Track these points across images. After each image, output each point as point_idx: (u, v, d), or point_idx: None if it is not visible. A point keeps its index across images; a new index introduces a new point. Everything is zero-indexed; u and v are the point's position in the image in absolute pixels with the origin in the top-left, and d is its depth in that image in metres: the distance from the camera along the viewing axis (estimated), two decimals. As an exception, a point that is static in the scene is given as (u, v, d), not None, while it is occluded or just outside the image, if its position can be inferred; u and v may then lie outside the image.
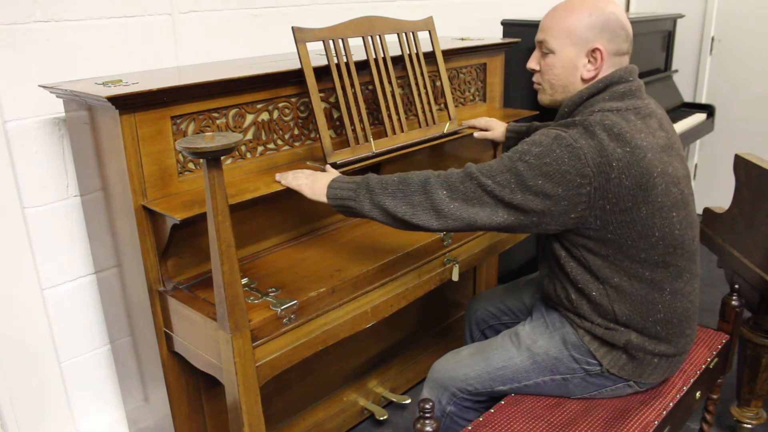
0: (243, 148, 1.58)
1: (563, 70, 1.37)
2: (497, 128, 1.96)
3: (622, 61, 1.37)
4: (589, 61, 1.35)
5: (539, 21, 1.40)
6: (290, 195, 1.65)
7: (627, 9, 3.87)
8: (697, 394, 1.54)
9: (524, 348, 1.44)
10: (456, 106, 2.18)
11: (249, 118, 1.58)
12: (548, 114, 2.56)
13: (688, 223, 1.35)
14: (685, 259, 1.36)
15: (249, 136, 1.59)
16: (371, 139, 1.73)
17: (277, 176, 1.50)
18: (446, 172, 1.33)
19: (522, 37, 2.39)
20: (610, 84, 1.33)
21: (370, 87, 1.80)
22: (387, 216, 1.34)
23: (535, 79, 1.44)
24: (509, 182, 1.25)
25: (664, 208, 1.29)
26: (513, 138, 1.90)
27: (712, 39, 3.51)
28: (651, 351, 1.37)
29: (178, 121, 1.44)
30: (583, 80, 1.36)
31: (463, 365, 1.47)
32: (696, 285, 1.41)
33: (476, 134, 1.98)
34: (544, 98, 1.45)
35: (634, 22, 3.01)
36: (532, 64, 1.43)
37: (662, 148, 1.30)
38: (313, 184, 1.43)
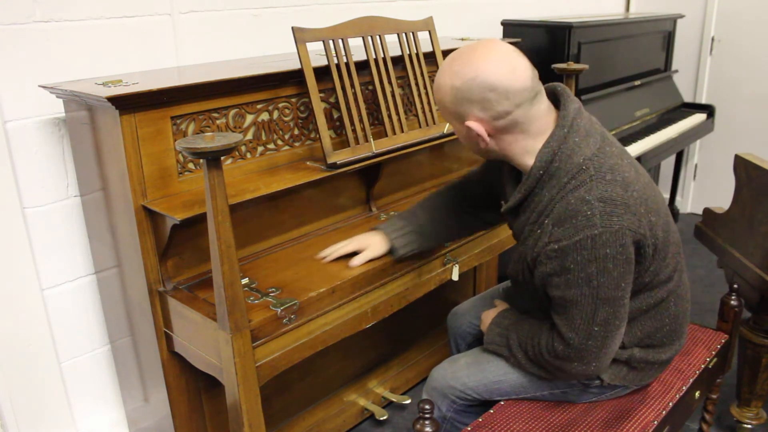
0: (243, 148, 1.58)
1: (468, 142, 1.25)
2: (373, 242, 1.53)
3: (517, 116, 1.16)
4: (477, 134, 1.20)
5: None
6: (290, 195, 1.65)
7: (627, 9, 3.86)
8: (696, 394, 1.54)
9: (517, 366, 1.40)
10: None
11: (249, 118, 1.58)
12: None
13: (669, 216, 1.32)
14: (681, 257, 1.36)
15: (249, 136, 1.59)
16: (371, 139, 1.73)
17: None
18: (560, 350, 1.24)
19: (522, 37, 2.39)
20: (572, 124, 1.19)
21: (370, 87, 1.80)
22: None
23: None
24: (608, 314, 1.18)
25: (667, 221, 1.28)
26: (402, 237, 1.53)
27: (712, 39, 3.50)
28: (653, 361, 1.36)
29: (178, 121, 1.44)
30: (489, 148, 1.23)
31: (461, 375, 1.45)
32: (686, 278, 1.39)
33: (353, 262, 1.52)
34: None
35: (635, 23, 3.01)
36: None
37: (630, 158, 1.27)
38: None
